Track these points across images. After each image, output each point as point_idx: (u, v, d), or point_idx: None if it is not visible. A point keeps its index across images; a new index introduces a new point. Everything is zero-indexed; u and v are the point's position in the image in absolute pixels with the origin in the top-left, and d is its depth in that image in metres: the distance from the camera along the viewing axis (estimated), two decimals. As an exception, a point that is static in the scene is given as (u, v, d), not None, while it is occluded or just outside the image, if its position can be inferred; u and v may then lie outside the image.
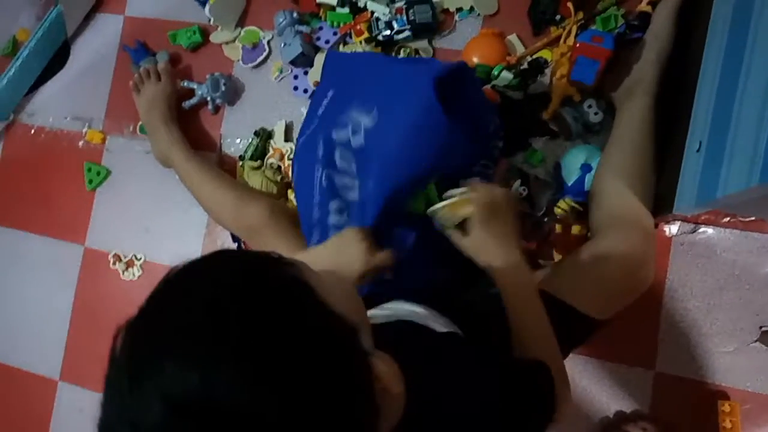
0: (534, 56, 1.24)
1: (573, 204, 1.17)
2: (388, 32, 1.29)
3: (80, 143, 1.56)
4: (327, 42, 1.37)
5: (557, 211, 1.18)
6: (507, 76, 1.20)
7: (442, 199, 0.87)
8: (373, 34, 1.30)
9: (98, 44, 1.59)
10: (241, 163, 1.39)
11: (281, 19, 1.36)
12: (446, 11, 1.31)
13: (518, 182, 1.19)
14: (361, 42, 1.33)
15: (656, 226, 1.16)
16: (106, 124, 1.55)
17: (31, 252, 1.59)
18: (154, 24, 1.53)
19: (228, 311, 0.45)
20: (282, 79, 1.42)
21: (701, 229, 1.15)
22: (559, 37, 1.20)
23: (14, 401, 1.58)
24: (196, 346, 0.44)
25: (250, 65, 1.43)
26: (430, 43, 1.32)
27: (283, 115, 1.40)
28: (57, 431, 1.54)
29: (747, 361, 1.12)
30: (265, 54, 1.43)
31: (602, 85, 1.13)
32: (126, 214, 1.51)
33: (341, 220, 1.02)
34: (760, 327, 1.11)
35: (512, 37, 1.27)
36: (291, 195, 1.33)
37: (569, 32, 1.18)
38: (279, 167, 1.36)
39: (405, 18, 1.26)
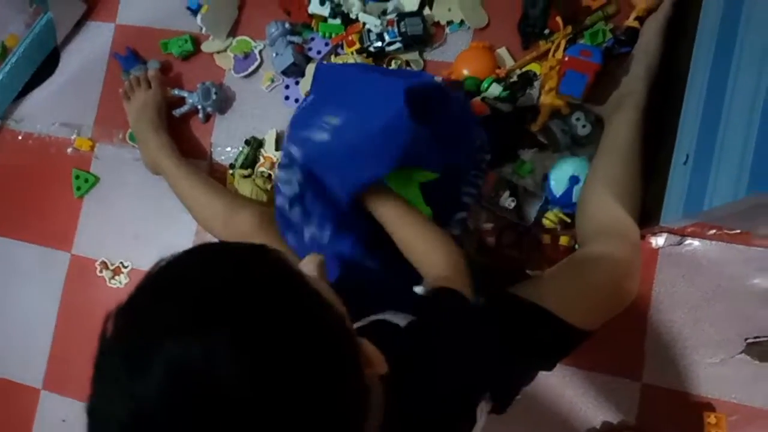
0: (523, 69, 1.26)
1: (561, 215, 1.18)
2: (379, 44, 1.29)
3: (69, 150, 1.55)
4: (319, 52, 1.37)
5: (545, 222, 1.19)
6: (496, 88, 1.22)
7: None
8: (365, 46, 1.31)
9: (88, 52, 1.59)
10: (231, 171, 1.39)
11: (273, 30, 1.37)
12: (437, 24, 1.33)
13: (507, 193, 1.19)
14: (352, 53, 1.34)
15: (643, 237, 1.17)
16: (95, 131, 1.55)
17: (17, 258, 1.57)
18: (145, 32, 1.53)
19: (226, 289, 0.45)
20: (273, 88, 1.42)
21: (687, 242, 1.16)
22: (548, 51, 1.22)
23: (-5, 410, 1.56)
24: (195, 318, 0.44)
25: (242, 74, 1.44)
26: (420, 55, 1.33)
27: (274, 124, 1.40)
28: (39, 441, 1.52)
29: (733, 373, 1.12)
30: (256, 64, 1.43)
31: (590, 98, 1.15)
32: (114, 222, 1.50)
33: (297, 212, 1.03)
34: (746, 339, 1.12)
35: (502, 51, 1.28)
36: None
37: (558, 46, 1.20)
38: (269, 176, 1.36)
39: (396, 30, 1.27)
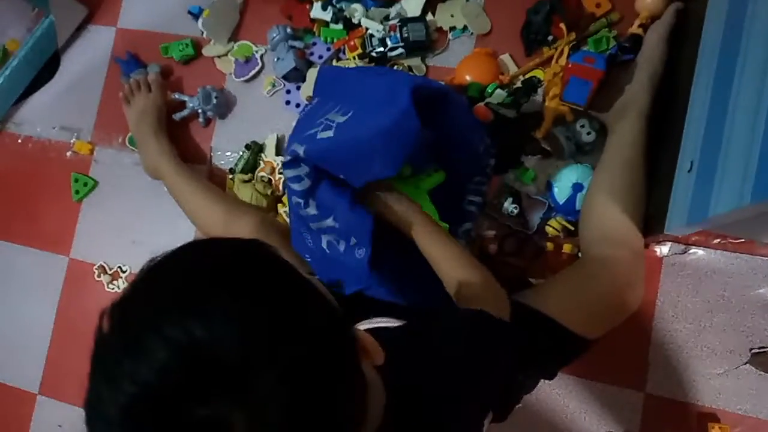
0: (527, 75, 1.25)
1: (564, 223, 1.17)
2: (381, 49, 1.29)
3: (68, 154, 1.55)
4: (320, 57, 1.37)
5: (548, 230, 1.18)
6: (500, 94, 1.21)
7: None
8: (367, 51, 1.31)
9: (89, 55, 1.58)
10: (231, 176, 1.38)
11: (275, 34, 1.36)
12: (440, 30, 1.32)
13: (510, 200, 1.18)
14: (354, 58, 1.33)
15: (647, 246, 1.16)
16: (95, 135, 1.54)
17: (14, 262, 1.56)
18: (146, 36, 1.53)
19: (220, 269, 0.46)
20: (274, 93, 1.41)
21: (692, 251, 1.15)
22: (551, 58, 1.21)
23: (-10, 416, 1.55)
24: (191, 298, 0.44)
25: (243, 79, 1.43)
26: (423, 61, 1.32)
27: (274, 128, 1.39)
28: (34, 446, 1.50)
29: (737, 384, 1.11)
30: (257, 68, 1.42)
31: (594, 105, 1.14)
32: (112, 226, 1.49)
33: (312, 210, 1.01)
34: (751, 349, 1.11)
35: (505, 57, 1.28)
36: (281, 209, 1.32)
37: (561, 53, 1.19)
38: (269, 180, 1.35)
39: (399, 35, 1.27)
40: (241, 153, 1.38)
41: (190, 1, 1.48)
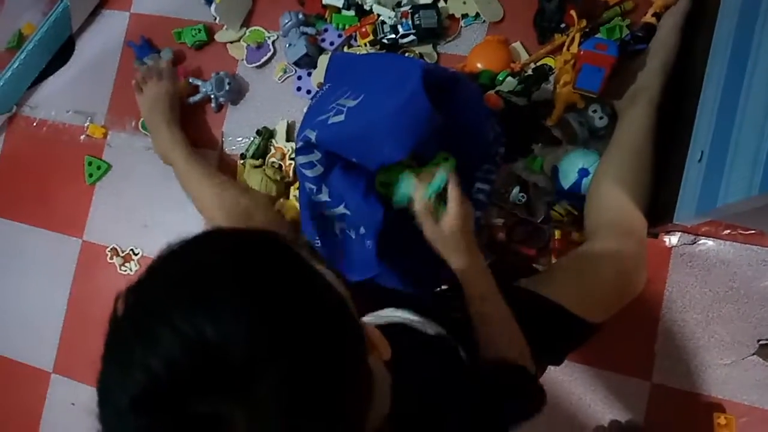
0: (538, 63, 1.24)
1: (569, 208, 1.17)
2: (393, 36, 1.29)
3: (82, 137, 1.56)
4: (332, 44, 1.37)
5: (553, 214, 1.18)
6: (511, 82, 1.20)
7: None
8: (378, 37, 1.31)
9: (103, 40, 1.59)
10: (242, 161, 1.39)
11: (287, 20, 1.37)
12: (452, 17, 1.32)
13: (517, 189, 1.18)
14: (365, 44, 1.33)
15: (657, 236, 1.16)
16: (108, 119, 1.55)
17: (29, 244, 1.59)
18: (159, 21, 1.54)
19: (234, 264, 0.46)
20: (286, 79, 1.42)
21: (701, 241, 1.15)
22: (562, 45, 1.21)
23: (6, 392, 1.58)
24: (204, 291, 0.44)
25: (254, 65, 1.44)
26: (434, 48, 1.32)
27: (285, 114, 1.40)
28: (48, 423, 1.53)
29: (744, 375, 1.11)
30: (269, 54, 1.43)
31: (606, 92, 1.13)
32: (125, 209, 1.51)
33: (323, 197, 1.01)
34: (758, 340, 1.11)
35: (517, 45, 1.27)
36: (293, 193, 1.33)
37: (572, 40, 1.19)
38: (280, 166, 1.36)
39: (410, 22, 1.27)
40: (252, 138, 1.39)
41: (204, -13, 1.48)
